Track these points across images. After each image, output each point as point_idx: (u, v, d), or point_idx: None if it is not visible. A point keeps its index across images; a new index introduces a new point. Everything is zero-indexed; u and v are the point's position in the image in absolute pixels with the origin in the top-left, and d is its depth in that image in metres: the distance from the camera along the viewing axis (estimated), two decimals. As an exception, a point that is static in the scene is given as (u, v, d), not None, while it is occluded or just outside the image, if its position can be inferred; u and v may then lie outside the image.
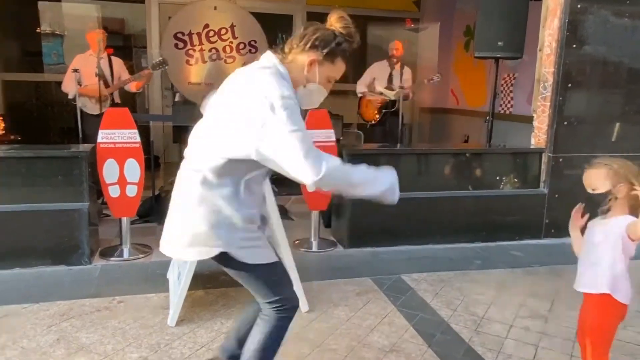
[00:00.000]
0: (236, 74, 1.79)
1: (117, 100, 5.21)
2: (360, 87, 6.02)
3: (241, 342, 1.96)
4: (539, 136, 4.46)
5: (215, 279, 3.32)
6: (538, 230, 4.42)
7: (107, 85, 4.99)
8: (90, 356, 2.39)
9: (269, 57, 1.74)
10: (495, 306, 3.10)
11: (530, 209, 4.40)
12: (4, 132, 5.40)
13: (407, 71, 5.98)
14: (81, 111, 4.79)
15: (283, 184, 5.91)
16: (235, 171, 1.67)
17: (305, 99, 1.78)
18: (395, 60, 5.88)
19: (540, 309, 3.06)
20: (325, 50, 1.72)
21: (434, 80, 5.66)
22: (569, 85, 4.27)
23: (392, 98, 5.77)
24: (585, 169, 1.87)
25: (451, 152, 4.51)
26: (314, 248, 4.02)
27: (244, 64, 6.82)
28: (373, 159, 4.17)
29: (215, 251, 1.71)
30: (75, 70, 4.68)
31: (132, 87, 5.24)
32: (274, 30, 7.79)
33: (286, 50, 1.77)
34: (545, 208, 4.41)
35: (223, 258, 1.73)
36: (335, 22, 1.75)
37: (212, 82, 7.32)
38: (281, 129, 1.56)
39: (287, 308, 1.84)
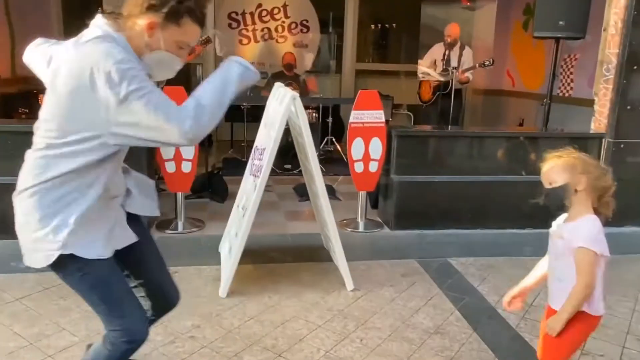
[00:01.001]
0: (60, 51, 1.51)
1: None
2: (421, 69, 5.97)
3: None
4: (599, 120, 4.26)
5: (264, 254, 3.43)
6: (594, 218, 4.26)
7: None
8: (147, 321, 2.54)
9: (97, 24, 1.49)
10: (544, 294, 3.03)
11: (586, 197, 4.24)
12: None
13: (468, 52, 5.83)
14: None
15: (331, 164, 5.97)
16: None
17: (155, 69, 1.55)
18: (450, 42, 5.76)
19: (593, 299, 2.98)
20: (164, 10, 1.46)
21: (486, 64, 5.50)
22: (634, 67, 4.04)
23: (442, 80, 5.69)
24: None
25: (505, 135, 4.39)
26: (361, 228, 4.05)
27: (295, 44, 6.93)
28: (423, 141, 4.14)
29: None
30: None
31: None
32: (326, 9, 7.80)
33: (125, 14, 1.51)
34: (603, 196, 4.23)
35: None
36: None
37: (264, 62, 7.41)
38: (129, 100, 1.34)
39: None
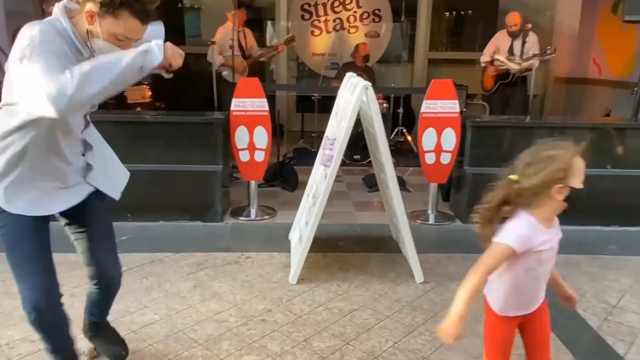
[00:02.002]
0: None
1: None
2: (484, 57, 5.72)
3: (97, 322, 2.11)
4: (698, 111, 3.90)
5: (334, 244, 3.47)
6: (690, 217, 3.92)
7: (242, 56, 5.45)
8: (222, 303, 2.66)
9: (55, 11, 1.57)
10: (630, 295, 2.85)
11: (681, 193, 3.91)
12: (150, 99, 6.01)
13: (532, 38, 5.50)
14: (217, 80, 5.20)
15: (401, 155, 5.90)
16: None
17: (98, 54, 1.56)
18: (513, 32, 5.46)
19: (686, 303, 2.76)
20: (100, 1, 1.50)
21: (547, 53, 5.18)
22: None
23: (511, 67, 5.42)
24: None
25: (589, 126, 4.13)
26: (431, 221, 3.98)
27: (366, 34, 6.90)
28: (499, 132, 3.98)
29: None
30: (213, 43, 5.11)
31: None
32: (399, -2, 7.67)
33: (80, 0, 1.56)
34: (701, 193, 3.88)
35: None
36: None
37: (335, 53, 7.42)
38: (23, 63, 1.41)
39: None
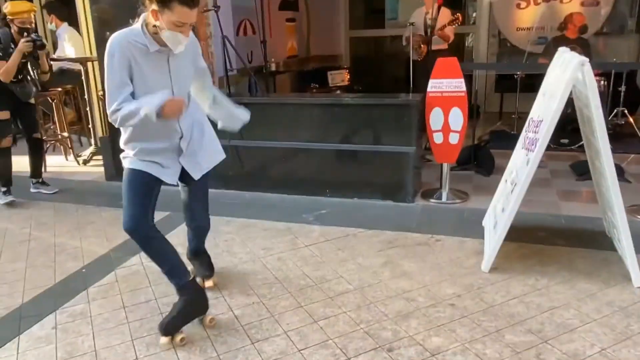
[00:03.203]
0: None
1: (436, 47, 5.39)
2: None
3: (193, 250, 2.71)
4: None
5: (532, 234, 3.22)
6: None
7: (426, 35, 5.33)
8: (411, 283, 2.70)
9: (141, 18, 2.11)
10: None
11: None
12: (349, 83, 6.31)
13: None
14: (413, 62, 5.19)
15: (621, 140, 5.15)
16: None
17: (169, 43, 2.06)
18: None
19: None
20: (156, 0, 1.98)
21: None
22: None
23: None
24: None
25: None
26: (657, 217, 3.41)
27: (583, 3, 6.17)
28: None
29: None
30: (412, 24, 5.12)
31: (444, 37, 5.41)
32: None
33: (145, 5, 2.04)
34: None
35: None
36: None
37: (544, 27, 6.77)
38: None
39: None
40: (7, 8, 4.05)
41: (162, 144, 2.26)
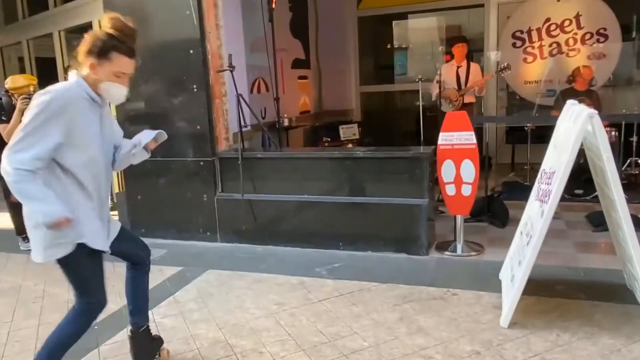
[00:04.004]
0: None
1: (467, 100, 5.77)
2: None
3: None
4: None
5: (551, 287, 3.15)
6: None
7: (459, 89, 5.69)
8: (428, 339, 2.63)
9: (70, 76, 2.05)
10: None
11: None
12: (360, 136, 6.41)
13: None
14: (423, 115, 5.33)
15: (636, 190, 5.10)
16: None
17: (108, 96, 2.06)
18: None
19: None
20: (96, 51, 1.98)
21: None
22: None
23: None
24: None
25: None
26: (679, 269, 3.32)
27: (589, 56, 6.34)
28: None
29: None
30: (438, 82, 5.52)
31: (478, 91, 5.77)
32: (629, 13, 6.77)
33: (80, 61, 2.02)
34: None
35: None
36: (106, 23, 2.01)
37: (552, 80, 6.89)
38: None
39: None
40: (7, 84, 4.32)
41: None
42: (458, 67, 5.74)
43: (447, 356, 2.46)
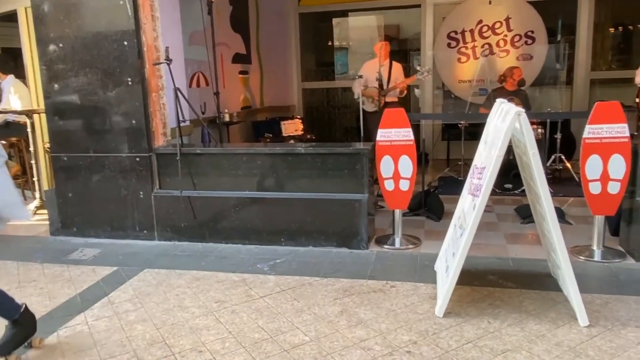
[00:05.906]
0: None
1: (389, 99, 5.83)
2: (638, 77, 5.06)
3: None
4: None
5: (482, 277, 3.30)
6: None
7: (382, 88, 5.70)
8: (367, 331, 2.69)
9: None
10: None
11: None
12: (303, 132, 6.41)
13: None
14: (363, 111, 5.40)
15: (560, 184, 5.44)
16: None
17: None
18: None
19: None
20: None
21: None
22: None
23: None
24: None
25: None
26: (597, 257, 3.58)
27: (518, 57, 6.68)
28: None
29: None
30: (360, 77, 5.41)
31: (399, 92, 5.88)
32: (554, 17, 7.20)
33: None
34: None
35: None
36: None
37: (483, 79, 7.20)
38: None
39: None
40: None
41: None
42: (381, 66, 5.76)
43: (386, 347, 2.52)
